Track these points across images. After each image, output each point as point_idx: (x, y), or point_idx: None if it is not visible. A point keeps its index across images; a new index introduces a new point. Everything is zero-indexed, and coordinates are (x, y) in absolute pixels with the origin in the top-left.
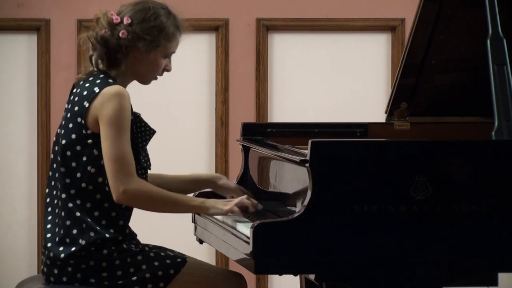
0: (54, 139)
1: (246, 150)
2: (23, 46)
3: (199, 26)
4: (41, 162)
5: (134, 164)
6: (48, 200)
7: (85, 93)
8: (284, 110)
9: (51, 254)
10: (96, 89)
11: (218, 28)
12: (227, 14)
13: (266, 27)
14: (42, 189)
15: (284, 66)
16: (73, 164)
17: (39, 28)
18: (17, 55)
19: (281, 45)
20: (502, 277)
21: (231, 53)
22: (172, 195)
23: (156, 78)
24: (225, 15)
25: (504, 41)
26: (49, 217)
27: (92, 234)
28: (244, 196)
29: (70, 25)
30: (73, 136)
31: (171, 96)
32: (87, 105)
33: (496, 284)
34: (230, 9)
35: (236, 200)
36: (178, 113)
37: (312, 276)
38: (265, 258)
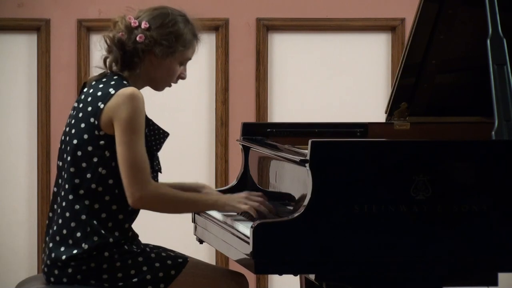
0: (62, 138)
1: (246, 150)
2: (23, 46)
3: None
4: (41, 162)
5: (149, 169)
6: (54, 197)
7: (99, 93)
8: (284, 110)
9: (53, 254)
10: (112, 90)
11: (218, 28)
12: (227, 14)
13: (266, 27)
14: (42, 189)
15: (284, 66)
16: (84, 164)
17: (39, 28)
18: (17, 55)
19: (281, 45)
20: (502, 277)
21: (231, 53)
22: (187, 196)
23: (170, 85)
24: (225, 15)
25: (504, 41)
26: (54, 217)
27: (95, 238)
28: (261, 200)
29: (70, 25)
30: (85, 136)
31: (171, 96)
32: (101, 106)
33: (496, 284)
34: (230, 9)
35: (256, 203)
36: (178, 113)
37: (312, 276)
38: (265, 258)
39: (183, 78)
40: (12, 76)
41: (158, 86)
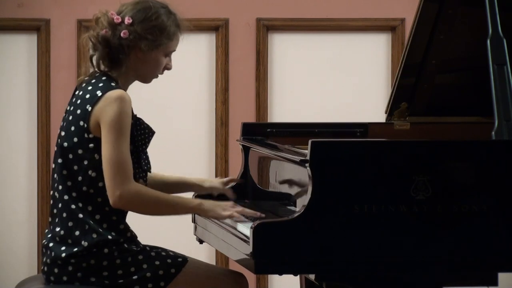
0: (57, 141)
1: (246, 150)
2: (23, 46)
3: (199, 26)
4: (41, 163)
5: (131, 169)
6: (52, 201)
7: (87, 96)
8: (284, 110)
9: (53, 253)
10: (99, 93)
11: (218, 28)
12: (227, 14)
13: (266, 27)
14: (42, 189)
15: (284, 66)
16: (75, 167)
17: (39, 28)
18: (17, 55)
19: (281, 45)
20: (502, 277)
21: (231, 53)
22: (169, 197)
23: (157, 77)
24: (225, 15)
25: (504, 41)
26: (52, 218)
27: (94, 235)
28: (241, 209)
29: (70, 25)
30: (75, 139)
31: (171, 96)
32: (89, 108)
33: (496, 284)
34: (230, 9)
35: (238, 209)
36: (178, 113)
37: (312, 276)
38: (265, 258)
39: (169, 68)
40: (12, 76)
41: (146, 79)
